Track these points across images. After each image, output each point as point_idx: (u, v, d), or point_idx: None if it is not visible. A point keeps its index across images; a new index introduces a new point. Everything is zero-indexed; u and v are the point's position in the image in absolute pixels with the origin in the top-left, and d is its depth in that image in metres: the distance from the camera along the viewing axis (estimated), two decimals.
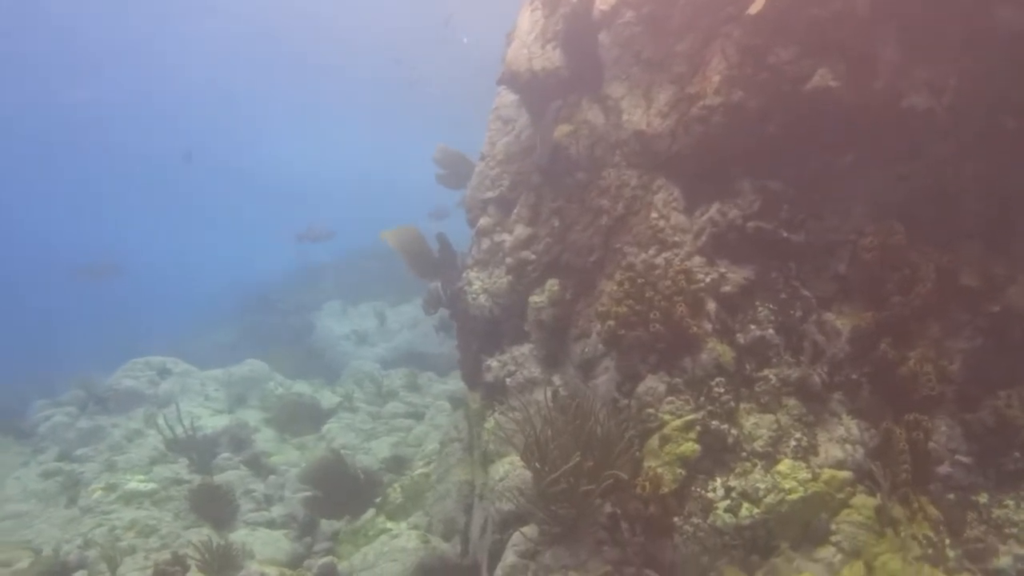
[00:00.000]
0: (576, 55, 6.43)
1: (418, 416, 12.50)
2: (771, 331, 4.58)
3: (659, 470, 4.29)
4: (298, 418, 12.49)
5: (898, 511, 4.02)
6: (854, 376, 4.46)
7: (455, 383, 14.31)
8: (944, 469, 4.25)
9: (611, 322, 4.84)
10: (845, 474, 4.13)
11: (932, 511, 4.11)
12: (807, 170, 4.80)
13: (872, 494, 4.10)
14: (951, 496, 4.20)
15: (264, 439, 11.44)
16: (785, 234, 4.73)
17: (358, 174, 48.18)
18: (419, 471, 7.58)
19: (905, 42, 4.35)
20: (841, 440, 4.27)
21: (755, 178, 4.91)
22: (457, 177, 11.33)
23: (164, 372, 13.57)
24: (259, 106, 37.91)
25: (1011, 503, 4.13)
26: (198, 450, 10.14)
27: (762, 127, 4.77)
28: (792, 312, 4.63)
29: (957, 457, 4.30)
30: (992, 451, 4.28)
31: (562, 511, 4.33)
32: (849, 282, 4.71)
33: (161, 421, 10.68)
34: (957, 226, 4.72)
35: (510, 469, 5.04)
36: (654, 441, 4.47)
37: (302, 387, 13.71)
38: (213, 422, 11.23)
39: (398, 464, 9.48)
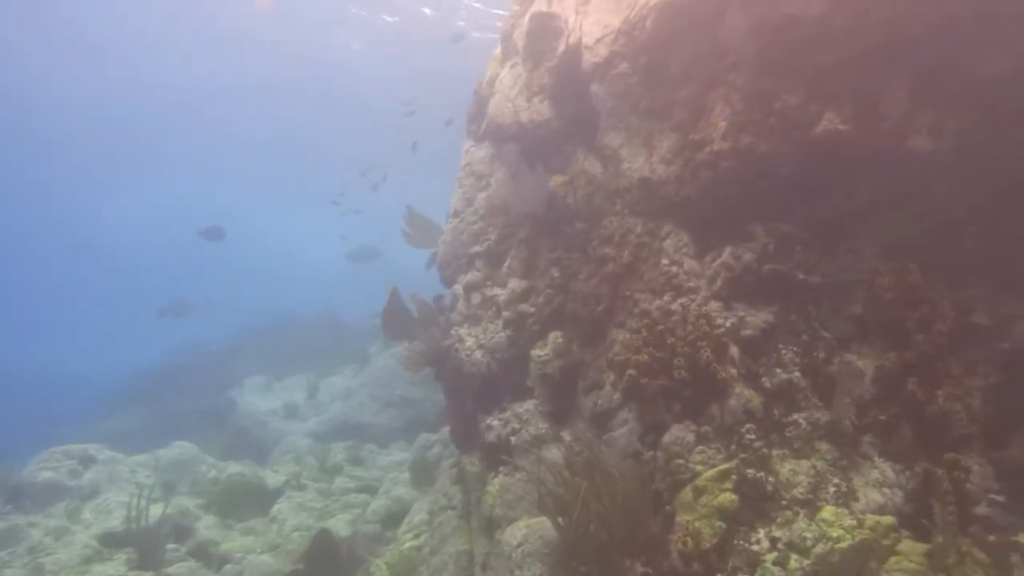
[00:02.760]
0: (566, 106, 6.47)
1: (371, 491, 11.91)
2: (797, 374, 4.48)
3: (697, 524, 4.05)
4: (242, 501, 11.61)
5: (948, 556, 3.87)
6: (882, 417, 4.37)
7: (399, 454, 13.85)
8: (982, 510, 4.14)
9: (632, 371, 4.67)
10: (888, 519, 3.97)
11: (978, 554, 3.97)
12: (817, 212, 4.82)
13: (917, 539, 3.95)
14: (992, 538, 4.09)
15: (207, 526, 10.52)
16: (801, 276, 4.70)
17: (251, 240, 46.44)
18: (408, 544, 7.07)
19: (907, 87, 4.48)
20: (878, 484, 4.14)
21: (765, 221, 4.91)
22: (424, 237, 11.28)
23: (87, 460, 12.26)
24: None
25: None
26: (138, 544, 9.16)
27: (772, 171, 4.80)
28: (815, 354, 4.56)
29: (992, 496, 4.21)
30: (1023, 489, 4.22)
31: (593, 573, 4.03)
32: (866, 322, 4.68)
33: (88, 515, 9.72)
34: (962, 265, 4.79)
35: (528, 533, 4.70)
36: (687, 493, 4.25)
37: (237, 468, 12.81)
38: (150, 512, 10.26)
39: (365, 541, 8.90)
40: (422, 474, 11.54)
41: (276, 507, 11.20)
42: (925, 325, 4.43)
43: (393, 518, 10.39)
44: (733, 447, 4.29)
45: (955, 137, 4.55)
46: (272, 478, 12.35)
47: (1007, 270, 4.73)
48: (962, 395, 4.32)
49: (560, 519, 4.26)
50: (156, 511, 9.97)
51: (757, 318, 4.72)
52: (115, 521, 9.69)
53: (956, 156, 4.54)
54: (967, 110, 4.42)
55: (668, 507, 4.32)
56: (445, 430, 12.68)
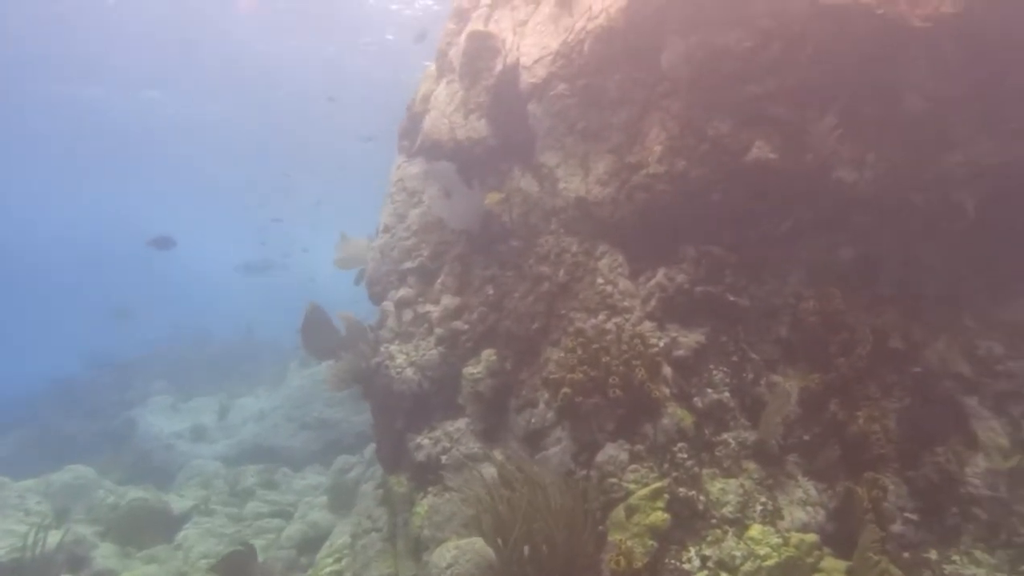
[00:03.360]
0: (503, 125, 6.47)
1: (286, 515, 11.44)
2: (727, 394, 4.57)
3: (629, 543, 4.04)
4: (143, 527, 10.86)
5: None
6: (807, 437, 4.51)
7: (315, 477, 13.44)
8: (897, 527, 4.32)
9: (566, 389, 4.65)
10: (812, 537, 4.07)
11: (895, 571, 4.12)
12: (747, 236, 4.98)
13: (838, 556, 4.06)
14: (906, 555, 4.26)
15: (104, 555, 9.78)
16: (732, 298, 4.82)
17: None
18: (328, 568, 6.76)
19: (833, 119, 4.69)
20: (802, 502, 4.24)
21: (698, 244, 5.02)
22: (354, 259, 11.19)
23: None
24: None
25: (957, 558, 4.23)
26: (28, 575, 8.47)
27: (704, 195, 4.93)
28: (744, 375, 4.67)
29: (906, 515, 4.39)
30: (934, 507, 4.41)
31: None
32: (792, 345, 4.84)
33: None
34: (878, 292, 5.04)
35: (458, 554, 4.57)
36: (619, 512, 4.24)
37: (138, 493, 12.05)
38: (37, 541, 9.47)
39: (280, 567, 8.49)
40: (340, 497, 11.17)
41: (182, 533, 10.57)
42: (847, 349, 4.61)
43: (309, 543, 9.99)
44: (666, 466, 4.32)
45: (875, 170, 4.79)
46: (177, 503, 11.66)
47: (918, 298, 5.01)
48: (880, 416, 4.52)
49: (498, 539, 4.15)
50: (52, 539, 9.24)
51: (689, 338, 4.80)
52: (1, 551, 8.89)
53: (876, 188, 4.78)
54: (887, 144, 4.67)
55: (601, 527, 4.30)
56: (364, 451, 12.39)
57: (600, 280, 5.22)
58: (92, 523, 10.86)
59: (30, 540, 8.60)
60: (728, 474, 4.31)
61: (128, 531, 10.64)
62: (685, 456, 4.33)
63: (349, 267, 11.41)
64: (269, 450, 15.32)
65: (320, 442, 15.32)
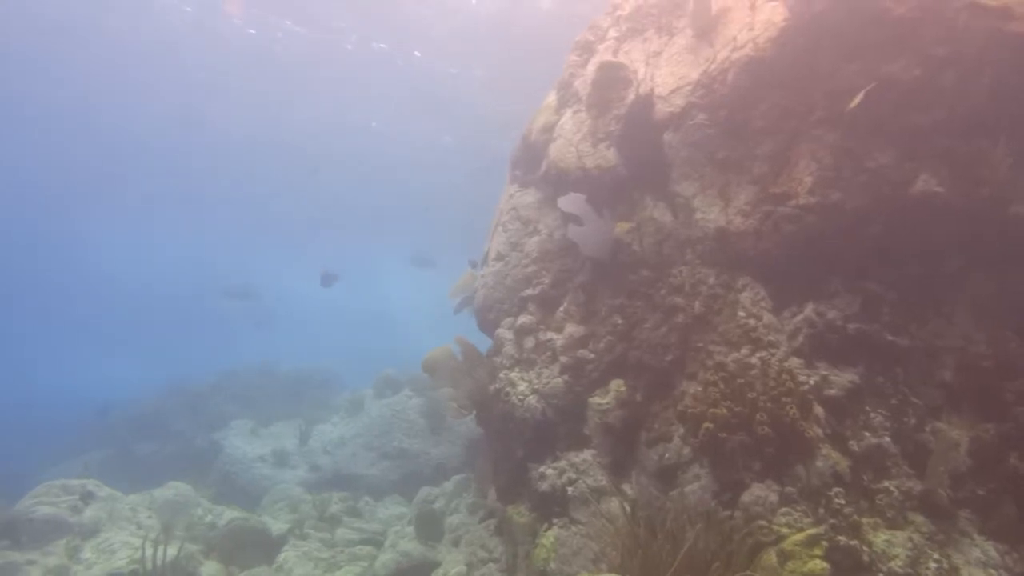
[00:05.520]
0: (633, 154, 6.43)
1: (375, 543, 11.43)
2: (887, 439, 4.27)
3: None
4: (244, 548, 11.03)
5: None
6: (981, 492, 4.14)
7: (396, 507, 13.38)
8: None
9: (708, 424, 4.46)
10: None
11: None
12: (906, 273, 4.69)
13: None
14: None
15: (209, 574, 10.09)
16: (890, 337, 4.54)
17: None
18: None
19: (1010, 150, 4.40)
20: (982, 563, 3.87)
21: (850, 279, 4.78)
22: (457, 290, 11.42)
23: (87, 497, 11.54)
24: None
25: None
26: None
27: (861, 228, 4.70)
28: (906, 419, 4.35)
29: None
30: None
31: None
32: (956, 390, 4.49)
33: (88, 554, 9.26)
34: None
35: None
36: (770, 557, 3.98)
37: (236, 513, 12.30)
38: (152, 554, 9.82)
39: None
40: (428, 528, 11.11)
41: (282, 556, 10.70)
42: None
43: (404, 573, 9.95)
44: (821, 511, 4.05)
45: None
46: (273, 525, 11.88)
47: None
48: None
49: None
50: (164, 553, 9.57)
51: (842, 378, 4.54)
52: (119, 562, 9.23)
53: None
54: None
55: (747, 571, 4.05)
56: (447, 484, 12.38)
57: (742, 313, 5.03)
58: (192, 540, 11.17)
59: (148, 553, 8.94)
60: (893, 525, 3.99)
61: (230, 550, 10.86)
62: (843, 502, 4.04)
63: (452, 296, 11.64)
64: (349, 477, 15.47)
65: (398, 472, 15.39)
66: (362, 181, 28.28)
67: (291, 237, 38.45)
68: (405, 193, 28.92)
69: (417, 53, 18.46)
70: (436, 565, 9.17)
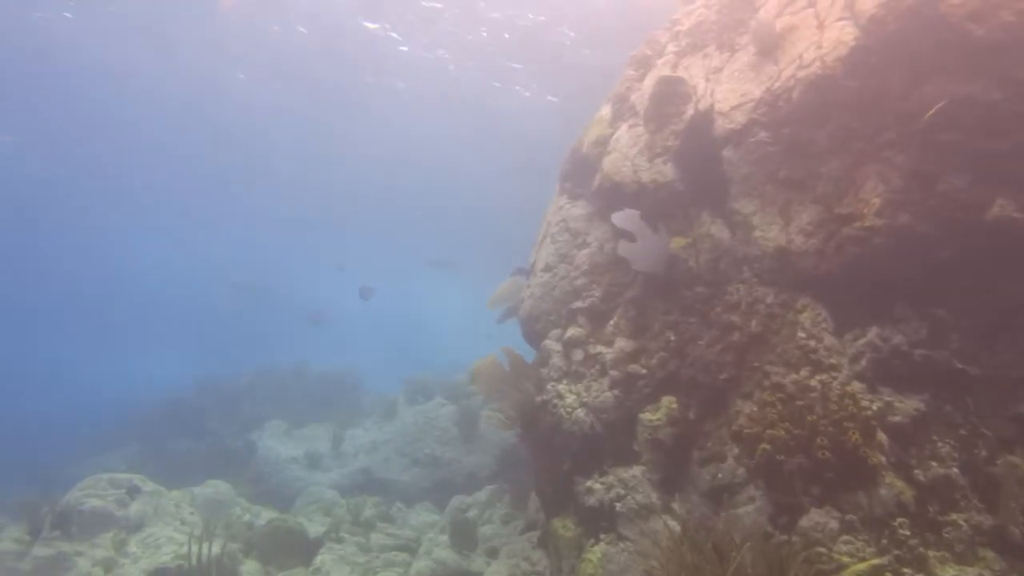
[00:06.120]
0: (691, 170, 6.40)
1: (409, 550, 11.44)
2: (955, 470, 4.14)
3: None
4: (283, 548, 11.14)
5: None
6: None
7: (427, 515, 13.35)
8: None
9: (766, 446, 4.39)
10: None
11: None
12: (978, 300, 4.56)
13: None
14: None
15: (249, 572, 10.20)
16: (959, 365, 4.41)
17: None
18: None
19: None
20: None
21: (917, 304, 4.66)
22: (499, 299, 11.43)
23: (133, 491, 11.81)
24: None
25: None
26: None
27: (930, 252, 4.58)
28: (976, 451, 4.21)
29: None
30: None
31: None
32: None
33: (134, 548, 9.44)
34: None
35: None
36: None
37: (274, 514, 12.39)
38: (196, 551, 9.99)
39: None
40: (463, 537, 11.10)
41: (319, 558, 10.79)
42: None
43: None
44: (884, 541, 3.94)
45: None
46: (309, 527, 12.00)
47: None
48: None
49: None
50: (205, 551, 9.72)
51: (907, 404, 4.42)
52: (164, 557, 9.42)
53: None
54: None
55: None
56: (480, 493, 12.37)
57: (802, 334, 4.94)
58: (231, 539, 11.33)
59: (193, 549, 9.10)
60: (961, 560, 3.86)
61: (269, 550, 11.00)
62: (907, 533, 3.93)
63: (496, 306, 11.65)
64: (381, 482, 15.53)
65: (430, 480, 15.41)
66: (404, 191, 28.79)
67: (326, 238, 39.20)
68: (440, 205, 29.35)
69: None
70: (471, 575, 9.16)
